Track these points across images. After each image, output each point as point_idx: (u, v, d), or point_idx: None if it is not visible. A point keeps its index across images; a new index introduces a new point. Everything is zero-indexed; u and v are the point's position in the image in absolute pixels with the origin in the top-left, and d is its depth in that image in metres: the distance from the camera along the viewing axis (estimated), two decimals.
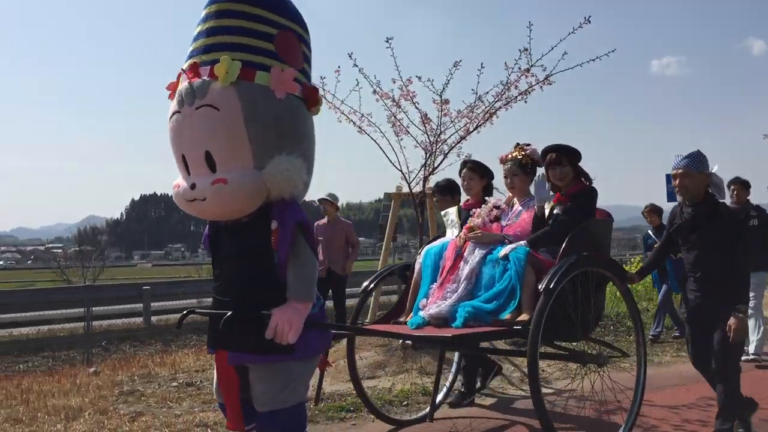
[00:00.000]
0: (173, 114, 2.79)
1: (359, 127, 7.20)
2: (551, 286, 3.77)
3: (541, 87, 6.87)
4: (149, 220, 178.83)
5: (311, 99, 2.92)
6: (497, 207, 4.72)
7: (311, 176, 2.94)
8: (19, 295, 14.38)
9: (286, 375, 2.78)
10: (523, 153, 4.65)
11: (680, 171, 4.15)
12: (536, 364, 3.74)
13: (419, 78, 6.98)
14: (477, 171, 5.16)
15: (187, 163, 2.81)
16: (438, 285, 4.39)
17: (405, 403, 5.39)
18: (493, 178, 5.17)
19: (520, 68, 6.80)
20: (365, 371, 6.32)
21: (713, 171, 4.16)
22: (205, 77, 2.73)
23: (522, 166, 4.62)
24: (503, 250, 4.20)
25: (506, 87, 6.89)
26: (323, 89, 6.87)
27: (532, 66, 6.73)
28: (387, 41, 6.88)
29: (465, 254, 4.39)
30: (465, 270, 4.30)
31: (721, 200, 4.23)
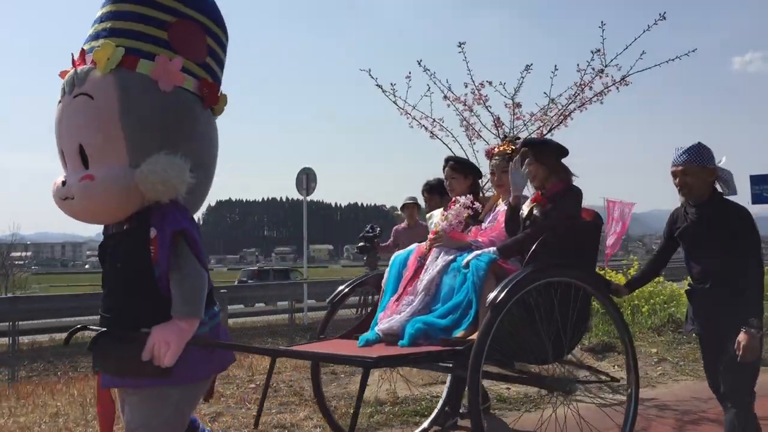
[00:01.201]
0: (58, 104, 2.57)
1: (431, 132, 7.22)
2: (498, 301, 3.26)
3: (617, 88, 6.77)
4: (224, 225, 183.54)
5: (208, 96, 2.65)
6: (470, 207, 4.14)
7: (208, 181, 2.71)
8: (93, 298, 15.02)
9: (159, 402, 2.47)
10: (512, 147, 4.19)
11: (679, 168, 3.60)
12: (477, 392, 3.18)
13: (490, 83, 6.97)
14: (460, 170, 4.63)
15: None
16: (395, 297, 3.92)
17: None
18: (480, 177, 4.73)
19: (593, 69, 6.70)
20: (438, 375, 6.30)
21: (720, 164, 3.61)
22: (90, 64, 2.50)
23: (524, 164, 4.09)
24: (466, 258, 3.71)
25: (580, 89, 6.80)
26: (394, 95, 6.95)
27: (606, 66, 6.63)
28: (459, 45, 6.89)
29: (427, 263, 3.92)
30: (424, 280, 3.82)
31: (730, 197, 3.66)
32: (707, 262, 3.60)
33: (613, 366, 6.93)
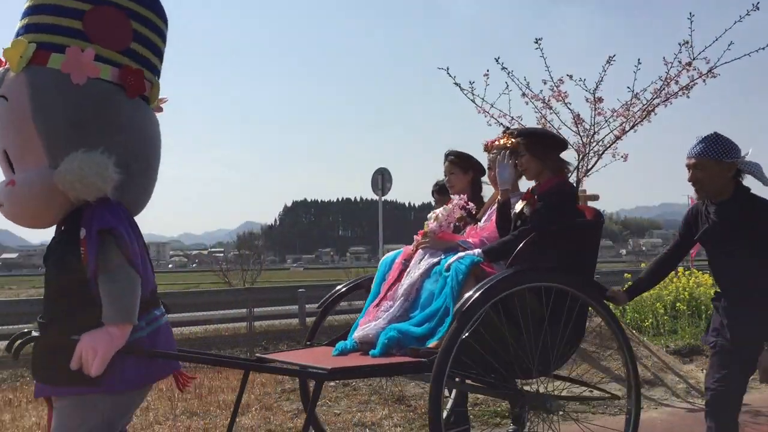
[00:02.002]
0: None
1: None
2: (465, 308, 2.99)
3: (703, 80, 6.52)
4: (300, 225, 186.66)
5: (131, 85, 2.46)
6: (464, 208, 3.91)
7: (146, 173, 2.55)
8: (187, 296, 15.47)
9: (85, 411, 2.32)
10: (512, 140, 3.86)
11: (692, 161, 3.23)
12: (438, 407, 2.93)
13: (570, 77, 6.83)
14: (459, 164, 4.31)
15: None
16: (376, 302, 3.67)
17: (560, 411, 5.25)
18: (482, 173, 4.33)
19: (680, 62, 6.47)
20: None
21: (745, 157, 3.21)
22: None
23: (510, 156, 3.81)
24: (448, 261, 3.45)
25: (665, 82, 6.58)
26: (472, 93, 6.90)
27: (693, 59, 6.40)
28: (536, 42, 6.80)
29: (411, 265, 3.67)
30: (404, 285, 3.58)
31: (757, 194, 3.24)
32: (732, 267, 3.21)
33: (702, 369, 6.66)
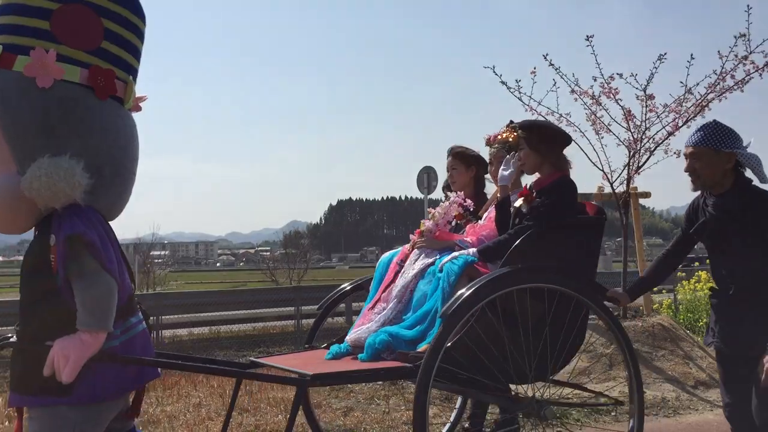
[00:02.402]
0: None
1: None
2: (451, 311, 2.86)
3: (760, 74, 6.36)
4: (346, 224, 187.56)
5: (101, 86, 2.36)
6: (462, 205, 3.78)
7: (120, 177, 2.46)
8: (235, 294, 15.72)
9: (57, 422, 2.24)
10: (514, 134, 3.68)
11: (689, 149, 3.06)
12: (424, 417, 2.77)
13: (620, 75, 6.74)
14: (462, 160, 4.13)
15: None
16: (371, 304, 3.55)
17: (612, 412, 5.19)
18: (486, 169, 4.16)
19: (736, 56, 6.32)
20: (567, 377, 6.14)
21: (746, 147, 3.04)
22: None
23: (512, 150, 3.61)
24: (443, 261, 3.34)
25: (720, 77, 6.43)
26: (519, 91, 6.85)
27: (751, 53, 6.24)
28: (587, 39, 6.72)
29: (405, 266, 3.55)
30: (398, 286, 3.45)
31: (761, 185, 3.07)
32: (730, 263, 3.05)
33: None
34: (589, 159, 7.07)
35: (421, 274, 3.42)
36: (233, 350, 11.50)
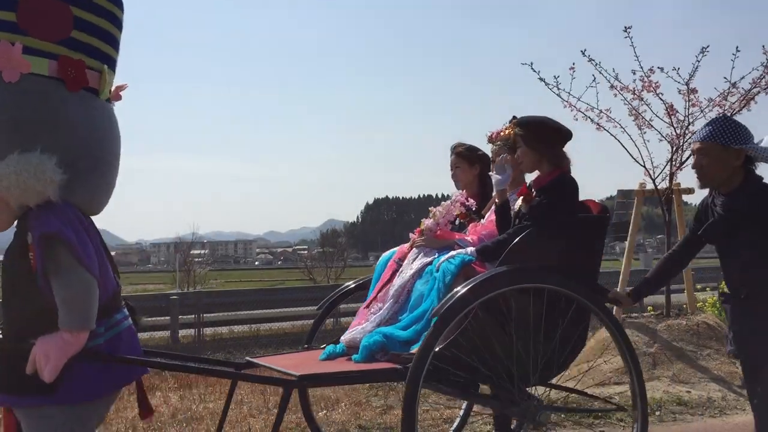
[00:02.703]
0: None
1: (597, 124, 6.97)
2: (443, 311, 2.79)
3: None
4: (382, 223, 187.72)
5: (71, 78, 2.27)
6: (464, 204, 3.71)
7: (99, 170, 2.38)
8: (274, 293, 15.85)
9: (42, 422, 2.20)
10: (513, 132, 3.54)
11: (697, 145, 2.94)
12: (413, 418, 2.73)
13: (661, 69, 6.62)
14: (466, 158, 4.02)
15: None
16: (366, 304, 3.49)
17: (657, 412, 5.11)
18: (489, 167, 3.96)
19: None
20: (611, 376, 6.08)
21: (760, 143, 2.88)
22: None
23: (514, 148, 3.48)
24: (440, 260, 3.27)
25: (767, 70, 6.29)
26: (558, 88, 6.79)
27: None
28: (625, 30, 6.63)
29: (403, 265, 3.48)
30: (395, 286, 3.39)
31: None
32: (741, 266, 2.89)
33: None
34: (631, 155, 6.96)
35: (419, 273, 3.36)
36: (273, 347, 11.60)
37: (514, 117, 3.48)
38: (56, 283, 2.14)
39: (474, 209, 3.80)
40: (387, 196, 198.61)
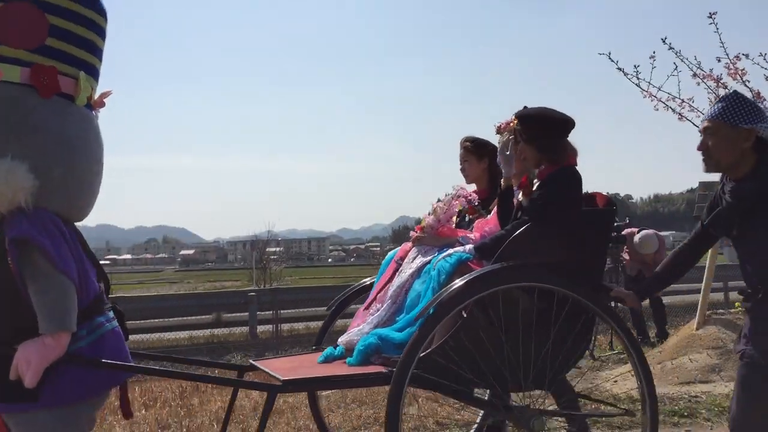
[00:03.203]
0: None
1: (679, 114, 6.74)
2: (432, 311, 2.70)
3: None
4: None
5: (44, 85, 2.27)
6: (467, 199, 3.59)
7: (75, 177, 2.35)
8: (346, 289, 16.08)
9: (30, 428, 2.21)
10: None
11: (705, 124, 2.63)
12: (396, 420, 2.61)
13: (747, 56, 6.35)
14: (474, 151, 3.91)
15: None
16: (366, 305, 3.39)
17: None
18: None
19: None
20: (696, 374, 5.89)
21: None
22: None
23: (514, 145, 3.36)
24: (438, 258, 3.12)
25: None
26: (637, 77, 6.60)
27: None
28: (710, 16, 6.37)
29: (403, 265, 3.35)
30: (394, 286, 3.27)
31: None
32: (756, 260, 2.57)
33: None
34: None
35: (418, 272, 3.24)
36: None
37: (525, 107, 3.34)
38: (32, 288, 2.13)
39: (477, 203, 3.71)
40: None
